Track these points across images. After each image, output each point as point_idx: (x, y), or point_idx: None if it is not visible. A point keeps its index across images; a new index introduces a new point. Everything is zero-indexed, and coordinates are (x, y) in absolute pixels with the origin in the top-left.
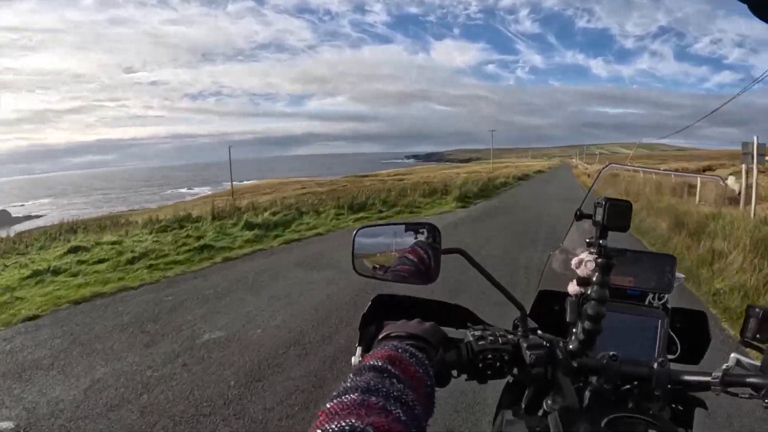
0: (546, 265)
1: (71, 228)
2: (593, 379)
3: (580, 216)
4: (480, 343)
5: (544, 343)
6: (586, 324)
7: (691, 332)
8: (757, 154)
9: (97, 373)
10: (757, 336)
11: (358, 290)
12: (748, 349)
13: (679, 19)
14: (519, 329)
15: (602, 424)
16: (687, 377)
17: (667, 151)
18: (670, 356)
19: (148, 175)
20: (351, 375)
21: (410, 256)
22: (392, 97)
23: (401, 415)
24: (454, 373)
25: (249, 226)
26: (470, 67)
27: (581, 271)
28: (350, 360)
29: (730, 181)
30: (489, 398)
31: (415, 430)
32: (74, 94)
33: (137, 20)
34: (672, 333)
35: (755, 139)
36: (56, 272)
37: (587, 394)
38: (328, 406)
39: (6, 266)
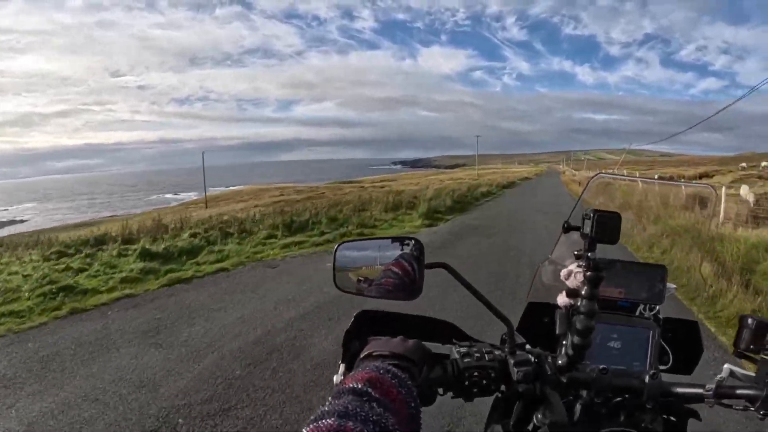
0: (535, 277)
1: None
2: (584, 392)
3: (567, 228)
4: (466, 360)
5: (532, 358)
6: (575, 339)
7: (684, 342)
8: None
9: None
10: (751, 347)
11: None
12: (742, 360)
13: (664, 26)
14: (506, 344)
15: None
16: (680, 389)
17: (653, 156)
18: (662, 367)
19: (134, 180)
20: (330, 398)
21: (395, 269)
22: (379, 103)
23: None
24: (440, 390)
25: (145, 255)
26: (457, 74)
27: (571, 283)
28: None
29: (743, 191)
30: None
31: None
32: (61, 97)
33: (125, 24)
34: (664, 343)
35: None
36: None
37: (578, 407)
38: (304, 431)
39: None
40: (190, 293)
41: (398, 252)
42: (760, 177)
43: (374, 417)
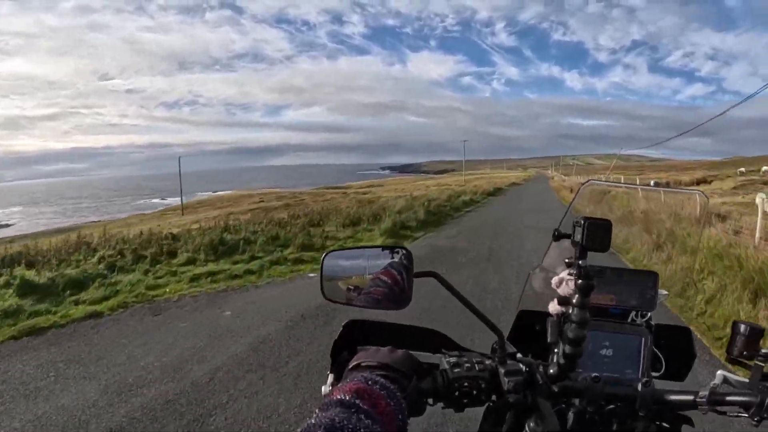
0: (526, 285)
1: None
2: (576, 401)
3: (558, 236)
4: (456, 370)
5: (523, 368)
6: (567, 348)
7: (676, 349)
8: None
9: None
10: (744, 353)
11: None
12: (735, 367)
13: (652, 32)
14: (497, 354)
15: None
16: (673, 397)
17: (641, 161)
18: (654, 374)
19: (123, 185)
20: (317, 410)
21: (384, 278)
22: (369, 108)
23: None
24: (430, 401)
25: (25, 287)
26: (446, 79)
27: (562, 290)
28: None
29: (759, 199)
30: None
31: None
32: (49, 100)
33: (114, 27)
34: (656, 350)
35: None
36: None
37: (570, 416)
38: None
39: None
40: (22, 357)
41: (387, 261)
42: (766, 183)
43: (362, 429)
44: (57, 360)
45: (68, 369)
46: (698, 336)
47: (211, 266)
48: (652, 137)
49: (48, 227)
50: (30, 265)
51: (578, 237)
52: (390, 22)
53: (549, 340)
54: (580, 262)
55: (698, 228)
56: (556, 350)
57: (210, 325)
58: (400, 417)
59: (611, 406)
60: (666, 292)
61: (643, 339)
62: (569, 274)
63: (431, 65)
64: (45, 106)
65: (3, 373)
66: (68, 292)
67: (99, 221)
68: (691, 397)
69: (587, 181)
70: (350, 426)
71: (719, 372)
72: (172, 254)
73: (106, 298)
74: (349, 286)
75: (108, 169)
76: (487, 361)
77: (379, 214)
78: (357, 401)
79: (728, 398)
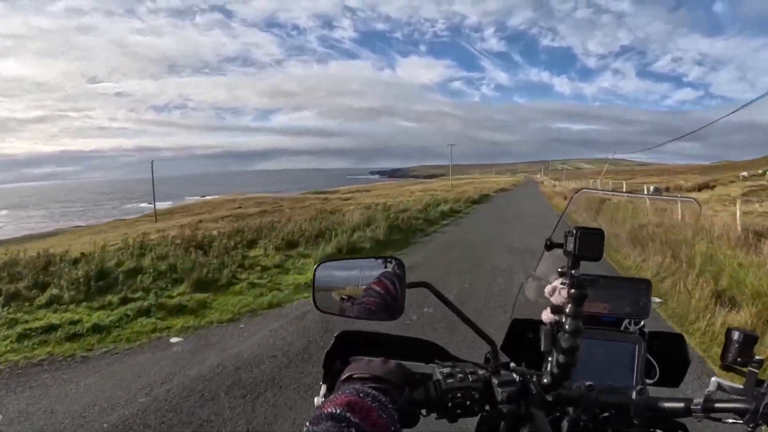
0: (519, 293)
1: None
2: (570, 410)
3: (550, 246)
4: (449, 381)
5: (516, 378)
6: (561, 357)
7: (670, 356)
8: None
9: None
10: (738, 359)
11: None
12: (729, 374)
13: (640, 38)
14: (490, 364)
15: None
16: (667, 404)
17: (631, 166)
18: (648, 381)
19: (111, 188)
20: (307, 423)
21: (377, 288)
22: (358, 113)
23: None
24: (423, 412)
25: None
26: (436, 84)
27: (555, 299)
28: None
29: None
30: None
31: None
32: (38, 103)
33: (104, 29)
34: (650, 357)
35: None
36: None
37: (565, 425)
38: None
39: None
40: None
41: (380, 271)
42: None
43: None
44: None
45: None
46: None
47: (71, 311)
48: (641, 141)
49: (34, 231)
50: None
51: (570, 246)
52: (380, 26)
53: (542, 349)
54: (573, 271)
55: (715, 242)
56: (549, 359)
57: None
58: (392, 429)
59: (606, 415)
60: (659, 300)
61: (637, 346)
62: (562, 283)
63: (421, 70)
64: (34, 108)
65: None
66: None
67: (84, 226)
68: (685, 405)
69: (580, 190)
70: None
71: (713, 379)
72: (44, 287)
73: None
74: (342, 297)
75: (97, 172)
76: (481, 371)
77: (327, 232)
78: (348, 414)
79: (723, 405)
